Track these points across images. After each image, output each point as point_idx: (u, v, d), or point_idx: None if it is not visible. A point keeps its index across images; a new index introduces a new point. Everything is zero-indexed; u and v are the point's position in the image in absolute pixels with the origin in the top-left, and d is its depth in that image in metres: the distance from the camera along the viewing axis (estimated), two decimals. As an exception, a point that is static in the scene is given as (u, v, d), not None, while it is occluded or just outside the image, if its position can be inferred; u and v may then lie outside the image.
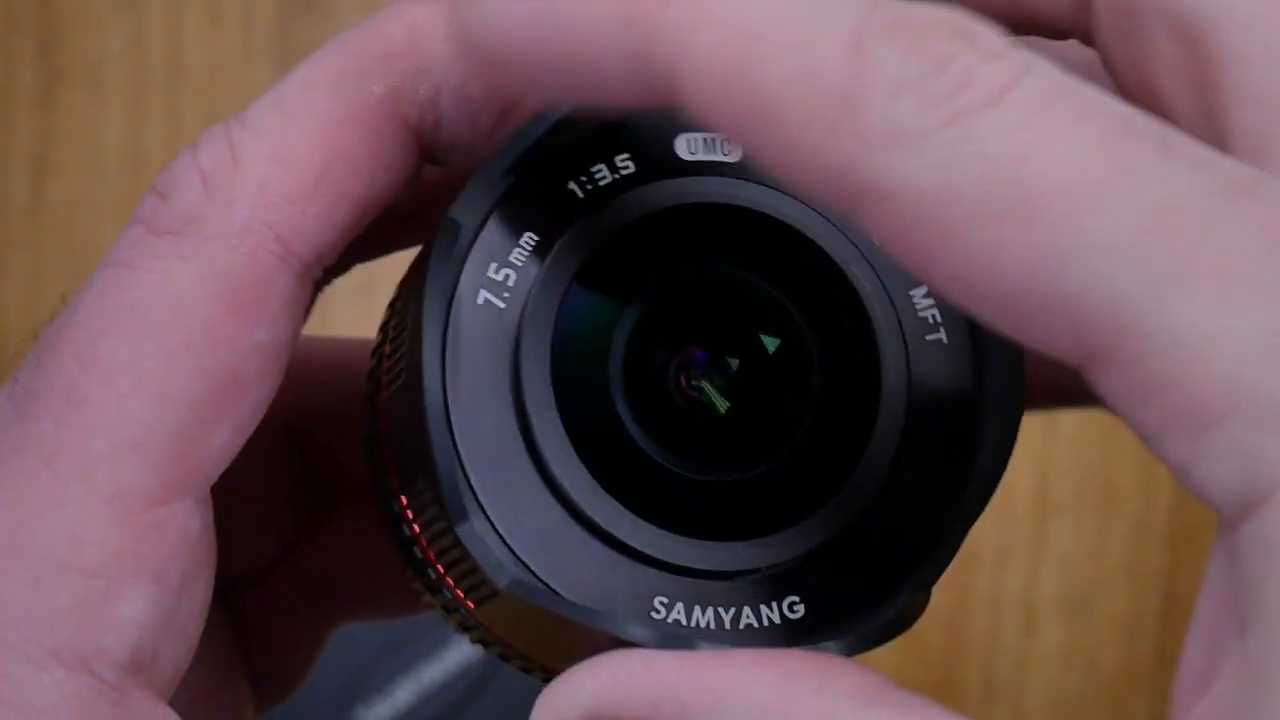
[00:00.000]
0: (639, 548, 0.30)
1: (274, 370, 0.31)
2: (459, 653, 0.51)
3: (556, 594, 0.30)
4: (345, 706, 0.50)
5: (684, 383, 0.31)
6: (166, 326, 0.30)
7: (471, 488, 0.30)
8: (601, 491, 0.30)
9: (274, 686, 0.39)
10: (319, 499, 0.38)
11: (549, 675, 0.31)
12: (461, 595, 0.31)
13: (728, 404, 0.31)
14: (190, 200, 0.30)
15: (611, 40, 0.27)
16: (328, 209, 0.30)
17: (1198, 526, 0.36)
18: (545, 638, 0.31)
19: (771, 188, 0.31)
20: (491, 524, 0.30)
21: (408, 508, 0.31)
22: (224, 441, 0.30)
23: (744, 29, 0.26)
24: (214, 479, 0.31)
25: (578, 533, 0.30)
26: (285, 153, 0.30)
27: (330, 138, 0.31)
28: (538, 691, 0.30)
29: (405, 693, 0.51)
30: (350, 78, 0.31)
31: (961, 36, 0.26)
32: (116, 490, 0.29)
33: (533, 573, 0.30)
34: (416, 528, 0.31)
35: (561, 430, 0.30)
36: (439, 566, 0.31)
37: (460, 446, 0.30)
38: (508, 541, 0.30)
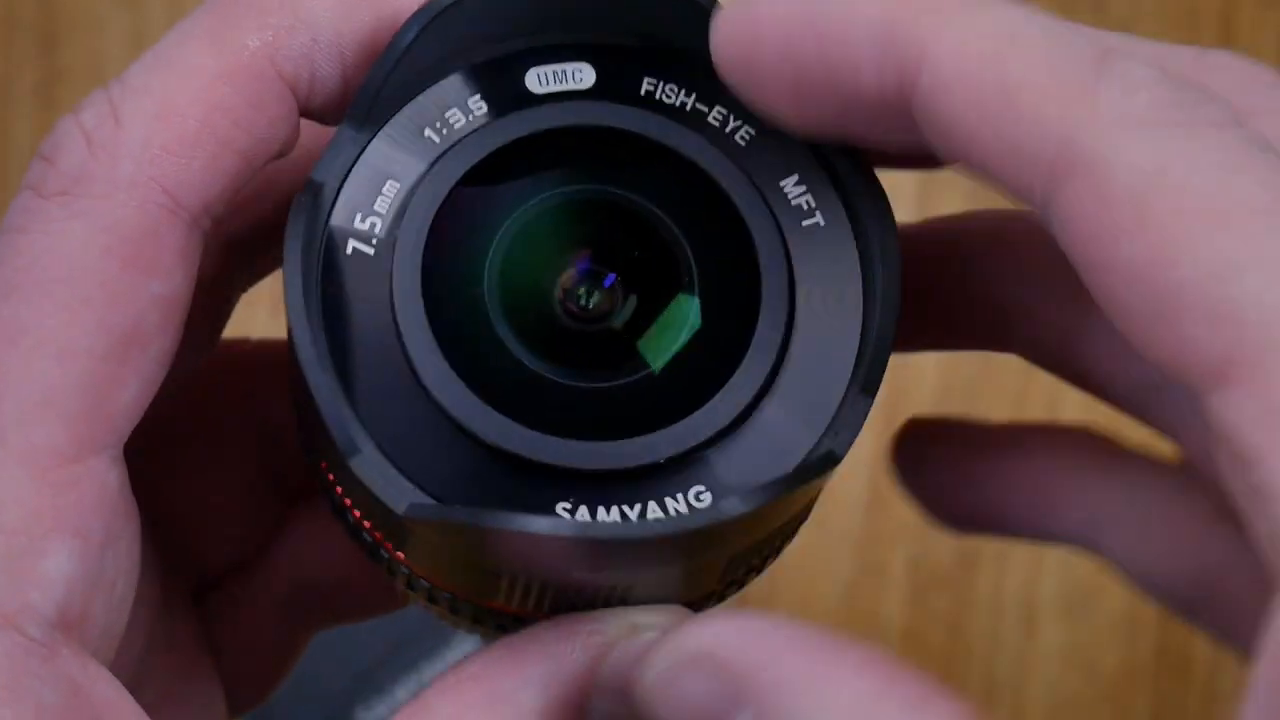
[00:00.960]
0: (532, 457, 0.30)
1: (174, 321, 0.31)
2: (459, 652, 0.51)
3: (453, 508, 0.30)
4: (345, 706, 0.50)
5: (563, 294, 0.32)
6: (63, 284, 0.30)
7: (361, 423, 0.30)
8: (489, 409, 0.30)
9: (249, 688, 0.39)
10: (290, 501, 0.39)
11: (484, 614, 0.32)
12: (390, 547, 0.31)
13: (609, 314, 0.32)
14: (75, 160, 0.31)
15: (867, 30, 0.30)
16: (210, 160, 0.31)
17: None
18: (464, 566, 0.31)
19: (627, 107, 0.32)
20: (384, 454, 0.30)
21: (327, 472, 0.32)
22: (132, 396, 0.31)
23: (997, 26, 0.29)
24: (125, 435, 0.31)
25: (470, 452, 0.30)
26: (165, 107, 0.31)
27: (208, 91, 0.31)
28: None
29: (405, 692, 0.51)
30: (226, 31, 0.32)
31: (1198, 86, 0.29)
32: (29, 449, 0.30)
33: (431, 495, 0.30)
34: (339, 489, 0.32)
35: (441, 357, 0.31)
36: (364, 522, 0.32)
37: (343, 387, 0.30)
38: (402, 468, 0.30)
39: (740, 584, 0.33)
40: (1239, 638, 0.34)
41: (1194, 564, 0.35)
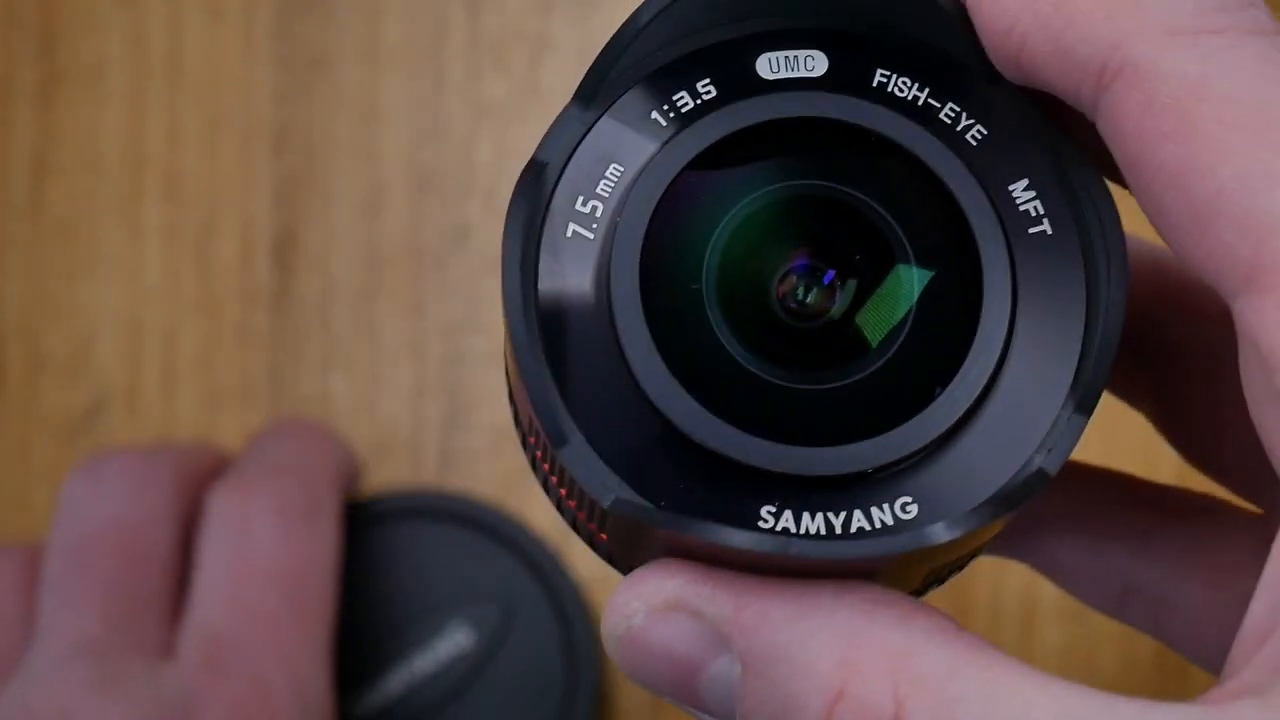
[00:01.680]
0: (740, 459, 0.30)
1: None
2: (450, 643, 0.51)
3: (659, 509, 0.30)
4: (336, 696, 0.50)
5: (782, 293, 0.32)
6: None
7: (570, 411, 0.30)
8: (700, 408, 0.30)
9: None
10: None
11: None
12: (594, 528, 0.31)
13: (828, 310, 0.31)
14: None
15: None
16: None
17: (1160, 470, 0.37)
18: (664, 553, 0.31)
19: (857, 99, 0.32)
20: (593, 444, 0.30)
21: (536, 448, 0.32)
22: None
23: None
24: None
25: (679, 449, 0.30)
26: None
27: None
28: (529, 682, 0.30)
29: (396, 682, 0.51)
30: None
31: None
32: None
33: (635, 488, 0.30)
34: (546, 466, 0.32)
35: (656, 354, 0.30)
36: (569, 501, 0.31)
37: (555, 373, 0.30)
38: (608, 460, 0.30)
39: (941, 581, 0.33)
40: None
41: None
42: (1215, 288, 0.28)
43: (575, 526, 0.32)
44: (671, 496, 0.30)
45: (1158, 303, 0.35)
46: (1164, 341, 0.35)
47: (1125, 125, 0.29)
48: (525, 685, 0.50)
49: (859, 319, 0.31)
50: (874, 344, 0.31)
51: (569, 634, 0.50)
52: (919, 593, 0.32)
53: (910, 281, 0.31)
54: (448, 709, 0.51)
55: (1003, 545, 0.37)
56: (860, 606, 0.28)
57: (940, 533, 0.29)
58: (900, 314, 0.31)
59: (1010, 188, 0.31)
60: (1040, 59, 0.30)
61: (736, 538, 0.29)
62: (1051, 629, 0.58)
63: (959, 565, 0.32)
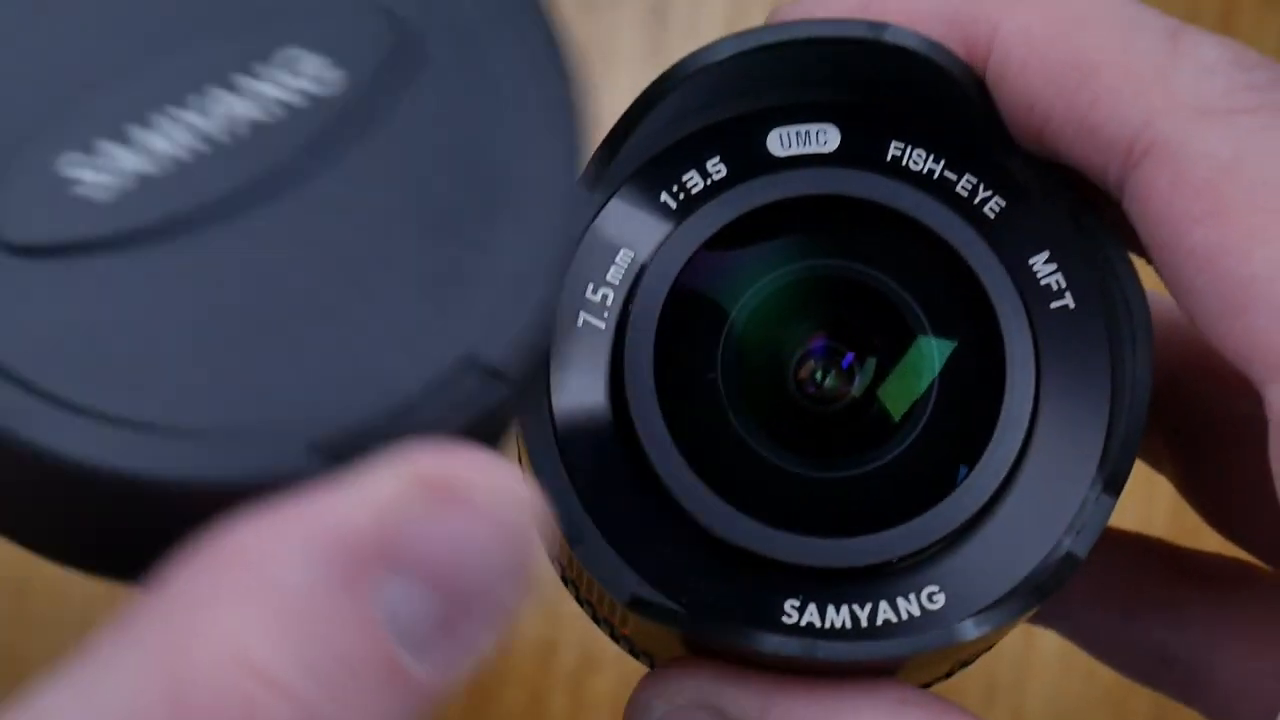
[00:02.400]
0: (762, 553, 0.29)
1: None
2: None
3: (680, 606, 0.29)
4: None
5: (800, 378, 0.31)
6: None
7: (585, 507, 0.29)
8: (717, 499, 0.29)
9: None
10: None
11: None
12: (615, 622, 0.31)
13: (848, 394, 0.31)
14: None
15: (931, 8, 0.30)
16: None
17: (1197, 529, 0.36)
18: (675, 646, 0.30)
19: (872, 174, 0.31)
20: (609, 539, 0.29)
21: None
22: None
23: (1065, 5, 0.29)
24: None
25: (699, 543, 0.29)
26: None
27: None
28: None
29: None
30: None
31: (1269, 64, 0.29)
32: None
33: (655, 584, 0.29)
34: (564, 560, 0.31)
35: (673, 446, 0.29)
36: (588, 596, 0.31)
37: (569, 470, 0.29)
38: (625, 555, 0.29)
39: (967, 664, 0.32)
40: None
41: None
42: (1245, 372, 0.28)
43: (597, 620, 0.31)
44: (693, 592, 0.29)
45: (1182, 367, 0.34)
46: (1188, 408, 0.34)
47: (1154, 206, 0.28)
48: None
49: (881, 393, 0.31)
50: (897, 418, 0.30)
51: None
52: (947, 675, 0.32)
53: (932, 353, 0.31)
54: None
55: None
56: (889, 708, 0.27)
57: (969, 630, 0.29)
58: (923, 386, 0.30)
59: (1031, 261, 0.31)
60: (1065, 136, 0.29)
61: (763, 641, 0.28)
62: (1051, 634, 0.58)
63: (987, 648, 0.32)
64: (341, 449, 0.22)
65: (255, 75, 0.24)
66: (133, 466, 0.22)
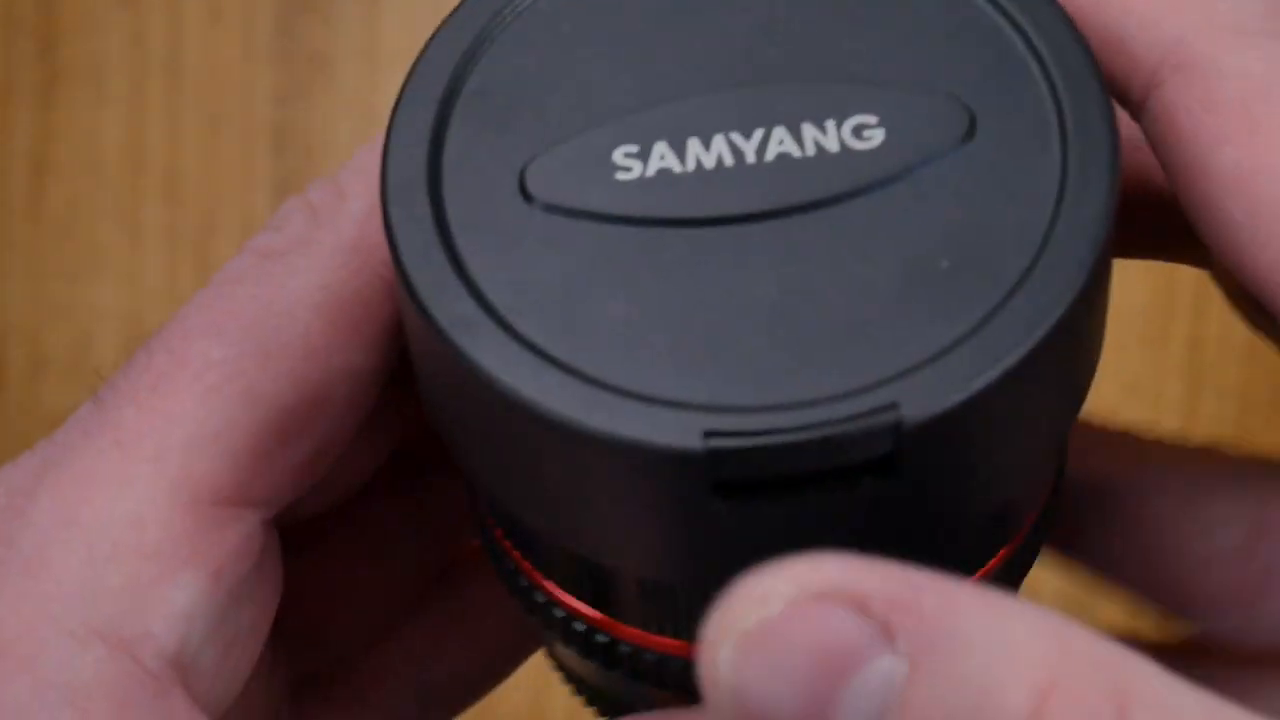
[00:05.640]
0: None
1: (361, 402, 0.30)
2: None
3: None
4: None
5: None
6: (266, 331, 0.29)
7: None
8: None
9: None
10: (416, 598, 0.36)
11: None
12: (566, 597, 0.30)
13: None
14: (300, 227, 0.30)
15: None
16: None
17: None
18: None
19: None
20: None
21: (513, 550, 0.30)
22: (302, 460, 0.30)
23: None
24: (284, 502, 0.30)
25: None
26: None
27: None
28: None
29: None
30: None
31: None
32: (187, 476, 0.29)
33: None
34: (508, 543, 0.30)
35: None
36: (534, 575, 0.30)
37: None
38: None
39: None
40: None
41: None
42: (1272, 299, 0.27)
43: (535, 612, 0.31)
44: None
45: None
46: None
47: (1181, 124, 0.28)
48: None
49: None
50: None
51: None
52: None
53: None
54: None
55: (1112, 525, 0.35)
56: (1052, 615, 0.24)
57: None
58: None
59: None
60: (1094, 44, 0.28)
61: None
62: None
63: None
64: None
65: (820, 127, 0.28)
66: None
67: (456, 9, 0.29)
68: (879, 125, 0.28)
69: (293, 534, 0.32)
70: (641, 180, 0.28)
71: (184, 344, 0.30)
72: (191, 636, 0.29)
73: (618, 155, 0.28)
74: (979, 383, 0.26)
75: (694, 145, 0.28)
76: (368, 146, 0.31)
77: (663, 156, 0.28)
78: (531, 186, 0.28)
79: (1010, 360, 0.26)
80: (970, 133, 0.27)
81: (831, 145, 0.27)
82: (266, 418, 0.29)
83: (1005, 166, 0.27)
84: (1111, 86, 0.29)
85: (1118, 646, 0.24)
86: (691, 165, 0.28)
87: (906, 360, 0.26)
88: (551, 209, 0.28)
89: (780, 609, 0.23)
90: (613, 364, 0.26)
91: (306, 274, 0.30)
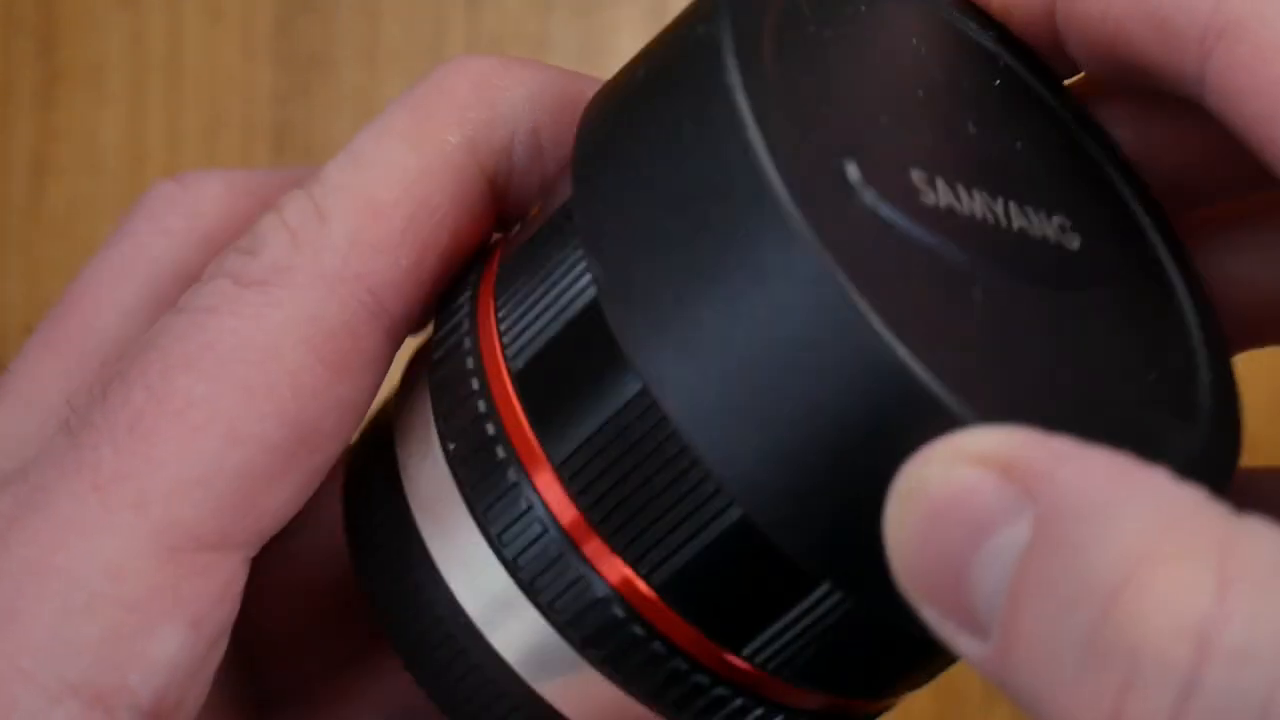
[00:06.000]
0: None
1: (348, 431, 0.29)
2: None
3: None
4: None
5: None
6: (249, 367, 0.28)
7: None
8: None
9: None
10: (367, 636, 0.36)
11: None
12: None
13: None
14: (279, 253, 0.29)
15: None
16: (416, 260, 0.29)
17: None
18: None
19: None
20: None
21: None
22: (287, 498, 0.29)
23: None
24: (265, 539, 0.29)
25: None
26: (370, 204, 0.29)
27: (412, 187, 0.30)
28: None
29: None
30: (424, 127, 0.30)
31: None
32: (169, 524, 0.28)
33: None
34: None
35: None
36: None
37: None
38: None
39: None
40: None
41: None
42: None
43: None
44: None
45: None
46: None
47: (1240, 82, 0.28)
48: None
49: None
50: None
51: None
52: None
53: None
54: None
55: None
56: (1186, 494, 0.24)
57: None
58: None
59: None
60: (1138, 38, 0.29)
61: None
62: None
63: None
64: None
65: (1038, 215, 0.29)
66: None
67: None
68: (1074, 230, 0.29)
69: (260, 554, 0.31)
70: (939, 210, 0.27)
71: (163, 380, 0.29)
72: (170, 687, 0.28)
73: (916, 177, 0.27)
74: None
75: (962, 191, 0.28)
76: (347, 162, 0.30)
77: (945, 191, 0.28)
78: (853, 181, 0.27)
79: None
80: (1121, 263, 0.29)
81: (1050, 235, 0.28)
82: (252, 458, 0.28)
83: (1144, 302, 0.29)
84: (1168, 73, 0.29)
85: (1230, 518, 0.24)
86: (967, 210, 0.28)
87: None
88: (872, 210, 0.27)
89: (936, 470, 0.25)
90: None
91: (289, 306, 0.29)
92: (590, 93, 0.30)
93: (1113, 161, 0.31)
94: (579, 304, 0.28)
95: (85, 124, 0.59)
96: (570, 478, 0.28)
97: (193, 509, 0.28)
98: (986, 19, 0.31)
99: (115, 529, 0.28)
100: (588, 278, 0.27)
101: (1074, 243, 0.29)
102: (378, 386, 0.30)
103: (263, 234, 0.30)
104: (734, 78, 0.26)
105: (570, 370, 0.28)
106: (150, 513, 0.28)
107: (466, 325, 0.29)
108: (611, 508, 0.28)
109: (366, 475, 0.30)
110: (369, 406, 0.30)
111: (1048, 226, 0.29)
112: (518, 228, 0.31)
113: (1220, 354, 0.30)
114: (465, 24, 0.58)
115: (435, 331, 0.30)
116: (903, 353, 0.25)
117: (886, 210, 0.27)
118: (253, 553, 0.29)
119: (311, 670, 0.36)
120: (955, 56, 0.30)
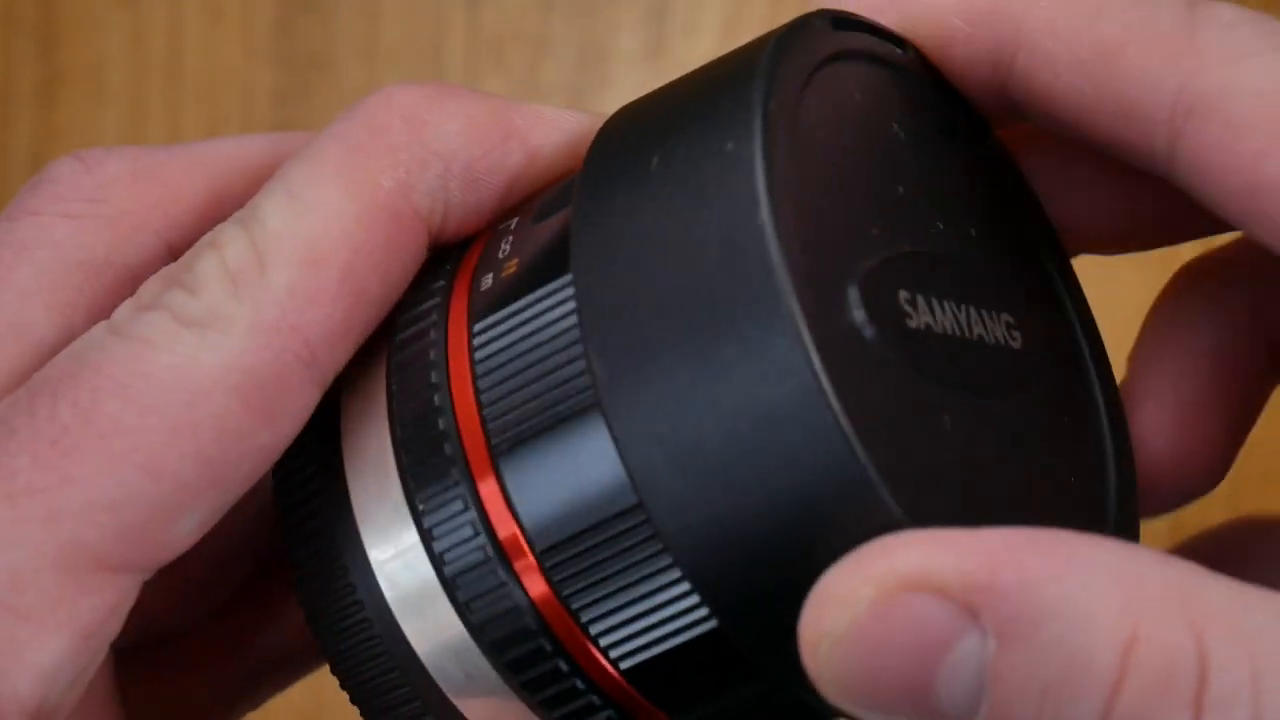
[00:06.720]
0: None
1: (261, 474, 0.30)
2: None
3: None
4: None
5: None
6: (178, 406, 0.29)
7: None
8: None
9: None
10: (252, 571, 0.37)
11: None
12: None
13: None
14: (218, 299, 0.30)
15: (956, 7, 0.30)
16: (350, 308, 0.30)
17: (1196, 528, 0.36)
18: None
19: None
20: None
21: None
22: (189, 530, 0.30)
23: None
24: (163, 565, 0.30)
25: None
26: (309, 255, 0.30)
27: (349, 236, 0.30)
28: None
29: None
30: (358, 169, 0.30)
31: None
32: (75, 542, 0.29)
33: None
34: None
35: None
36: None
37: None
38: None
39: None
40: None
41: None
42: None
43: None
44: None
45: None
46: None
47: (1213, 157, 0.28)
48: None
49: None
50: None
51: None
52: None
53: None
54: None
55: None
56: (1118, 548, 0.25)
57: None
58: None
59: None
60: (1103, 121, 0.30)
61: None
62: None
63: None
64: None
65: (991, 318, 0.30)
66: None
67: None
68: (1017, 327, 0.30)
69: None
70: (923, 333, 0.28)
71: (92, 401, 0.29)
72: (52, 694, 0.29)
73: (903, 298, 0.28)
74: None
75: (936, 307, 0.29)
76: (285, 203, 0.30)
77: (924, 310, 0.28)
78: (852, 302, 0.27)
79: None
80: (1052, 358, 0.31)
81: (1000, 337, 0.30)
82: (165, 493, 0.29)
83: (1067, 400, 0.31)
84: (1135, 151, 0.30)
85: (1185, 568, 0.25)
86: (939, 328, 0.28)
87: None
88: (861, 331, 0.27)
89: (865, 609, 0.25)
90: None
91: (224, 353, 0.29)
92: (523, 124, 0.31)
93: (1046, 239, 0.32)
94: (563, 355, 0.29)
95: (85, 124, 0.59)
96: (516, 495, 0.29)
97: (99, 532, 0.29)
98: (939, 77, 0.32)
99: (21, 541, 0.29)
100: (573, 319, 0.28)
101: (1017, 341, 0.30)
102: (298, 432, 0.30)
103: (203, 274, 0.30)
104: (765, 215, 0.27)
105: (538, 396, 0.29)
106: (58, 529, 0.29)
107: (435, 316, 0.30)
108: (556, 541, 0.29)
109: (303, 439, 0.31)
110: (281, 452, 0.30)
111: (998, 328, 0.30)
112: (515, 219, 0.31)
113: (1124, 447, 0.32)
114: (465, 24, 0.58)
115: (402, 308, 0.31)
116: (857, 446, 0.26)
117: (872, 333, 0.27)
118: (148, 577, 0.30)
119: (178, 623, 0.37)
120: (923, 135, 0.31)
